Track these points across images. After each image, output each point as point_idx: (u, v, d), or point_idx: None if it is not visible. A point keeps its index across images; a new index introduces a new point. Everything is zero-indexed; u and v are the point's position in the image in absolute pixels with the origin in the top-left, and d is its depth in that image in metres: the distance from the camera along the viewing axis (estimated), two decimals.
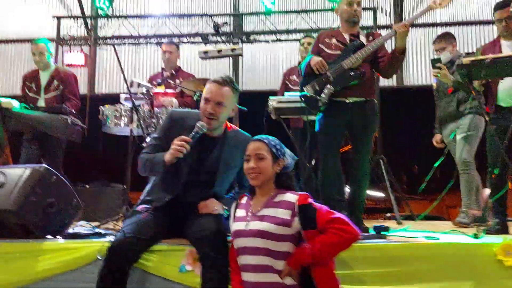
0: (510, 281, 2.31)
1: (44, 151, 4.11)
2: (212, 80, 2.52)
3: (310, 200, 2.09)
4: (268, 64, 7.28)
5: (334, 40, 3.29)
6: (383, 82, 7.14)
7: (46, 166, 2.60)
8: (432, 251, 2.42)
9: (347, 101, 3.20)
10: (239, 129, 2.71)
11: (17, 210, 2.41)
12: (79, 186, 4.55)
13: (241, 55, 4.77)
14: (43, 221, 2.53)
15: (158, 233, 2.44)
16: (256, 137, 2.25)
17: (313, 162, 4.37)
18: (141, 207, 2.55)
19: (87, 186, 4.59)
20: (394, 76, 7.17)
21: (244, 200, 2.27)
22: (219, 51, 4.63)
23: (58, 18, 7.44)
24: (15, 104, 3.75)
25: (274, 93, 4.63)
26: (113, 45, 3.73)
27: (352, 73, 3.18)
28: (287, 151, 2.24)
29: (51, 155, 4.11)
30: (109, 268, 2.21)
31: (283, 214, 2.06)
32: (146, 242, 2.35)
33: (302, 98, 3.34)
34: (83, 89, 6.95)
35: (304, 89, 3.31)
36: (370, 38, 3.29)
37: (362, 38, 3.27)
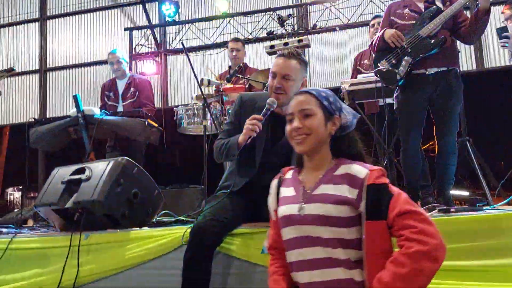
0: None
1: (126, 156, 4.31)
2: (279, 54, 2.47)
3: (386, 179, 1.55)
4: (336, 57, 7.11)
5: (407, 10, 3.13)
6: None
7: (127, 158, 2.68)
8: None
9: (427, 72, 3.01)
10: None
11: (104, 201, 2.50)
12: (161, 187, 4.68)
13: (309, 46, 4.69)
14: (129, 211, 2.61)
15: (237, 216, 2.41)
16: (301, 89, 1.83)
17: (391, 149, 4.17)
18: (219, 193, 2.55)
19: (167, 188, 4.72)
20: (473, 59, 6.69)
21: (289, 174, 1.80)
22: (286, 44, 4.59)
23: (130, 29, 7.86)
24: (97, 111, 3.96)
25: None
26: (183, 46, 3.76)
27: (432, 41, 2.99)
28: (345, 105, 1.74)
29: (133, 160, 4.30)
30: (193, 251, 2.21)
31: (348, 192, 1.55)
32: (225, 224, 2.33)
33: (378, 74, 3.19)
34: (157, 101, 7.21)
35: (379, 65, 3.15)
36: (447, 3, 3.08)
37: (438, 4, 3.07)
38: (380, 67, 3.12)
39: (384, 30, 3.12)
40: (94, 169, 2.64)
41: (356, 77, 4.36)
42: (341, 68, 6.93)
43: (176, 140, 4.44)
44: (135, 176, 2.67)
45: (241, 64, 4.49)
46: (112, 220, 2.59)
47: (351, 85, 3.57)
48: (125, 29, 7.88)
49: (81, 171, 2.68)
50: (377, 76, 3.18)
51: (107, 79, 8.16)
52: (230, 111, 2.65)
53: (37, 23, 8.98)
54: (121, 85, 4.66)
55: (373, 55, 3.28)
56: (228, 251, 2.37)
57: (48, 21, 8.96)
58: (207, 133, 3.86)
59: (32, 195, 13.63)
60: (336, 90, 4.12)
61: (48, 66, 8.87)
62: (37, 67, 8.89)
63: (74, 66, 8.70)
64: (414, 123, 3.07)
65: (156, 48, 7.62)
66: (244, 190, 2.47)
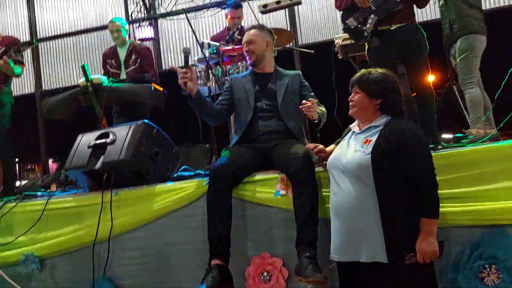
0: None
1: (133, 120, 4.56)
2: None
3: None
4: (325, 13, 7.26)
5: None
6: None
7: (146, 121, 2.95)
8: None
9: (391, 28, 3.25)
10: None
11: (131, 159, 2.79)
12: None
13: (300, 3, 4.86)
14: (152, 167, 2.90)
15: (249, 161, 2.73)
16: None
17: None
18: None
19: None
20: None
21: None
22: (278, 2, 4.76)
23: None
24: (104, 79, 4.17)
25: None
26: (185, 12, 3.97)
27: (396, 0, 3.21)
28: None
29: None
30: (213, 189, 2.54)
31: None
32: (239, 166, 2.66)
33: (347, 31, 3.44)
34: None
35: (347, 22, 3.38)
36: None
37: None
38: (348, 24, 3.35)
39: None
40: (117, 133, 2.90)
41: None
42: (331, 22, 7.11)
43: (171, 102, 4.67)
44: (155, 137, 2.95)
45: (239, 26, 4.66)
46: (138, 176, 2.88)
47: (344, 40, 3.80)
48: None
49: (105, 135, 2.94)
50: (346, 32, 3.42)
51: (101, 46, 8.40)
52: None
53: None
54: (122, 52, 4.78)
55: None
56: (242, 196, 2.68)
57: None
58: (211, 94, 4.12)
59: (29, 166, 13.83)
60: (328, 44, 4.35)
61: (39, 36, 8.91)
62: (28, 39, 8.93)
63: (65, 35, 8.75)
64: None
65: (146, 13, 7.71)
66: (251, 141, 2.81)
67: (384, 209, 2.12)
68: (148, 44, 7.34)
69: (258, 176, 2.71)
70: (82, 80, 4.11)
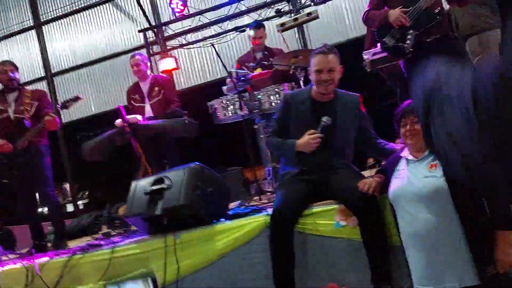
0: None
1: (164, 152, 4.70)
2: (316, 53, 2.85)
3: None
4: (333, 18, 7.31)
5: None
6: None
7: (199, 163, 3.06)
8: None
9: (429, 39, 3.24)
10: (345, 91, 3.00)
11: (190, 204, 2.90)
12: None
13: (317, 17, 4.93)
14: (209, 208, 3.00)
15: (307, 198, 2.81)
16: None
17: None
18: (282, 173, 2.96)
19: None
20: None
21: None
22: (295, 19, 4.84)
23: (144, 31, 7.95)
24: (139, 117, 4.28)
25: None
26: (212, 45, 4.08)
27: (436, 11, 3.23)
28: None
29: (171, 154, 4.72)
30: (276, 233, 2.64)
31: None
32: (298, 205, 2.75)
33: (386, 50, 3.45)
34: None
35: (385, 41, 3.38)
36: None
37: None
38: (387, 43, 3.37)
39: (388, 12, 3.31)
40: (172, 178, 3.01)
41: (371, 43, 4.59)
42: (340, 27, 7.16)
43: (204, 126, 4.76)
44: (207, 177, 3.05)
45: (266, 52, 4.74)
46: (196, 218, 2.98)
47: (373, 54, 3.86)
48: (139, 31, 7.98)
49: (160, 181, 3.05)
50: (385, 51, 3.45)
51: (114, 73, 8.52)
52: (277, 109, 3.09)
53: (33, 30, 9.10)
54: (144, 86, 4.84)
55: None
56: (303, 230, 2.77)
57: (43, 27, 9.06)
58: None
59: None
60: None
61: (53, 71, 9.06)
62: (42, 74, 9.09)
63: (78, 66, 8.89)
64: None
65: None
66: (307, 173, 2.86)
67: (468, 230, 2.17)
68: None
69: (317, 209, 2.80)
70: (118, 121, 4.22)
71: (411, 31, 3.25)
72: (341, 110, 2.88)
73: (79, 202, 9.99)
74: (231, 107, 4.31)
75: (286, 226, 2.65)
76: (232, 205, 4.12)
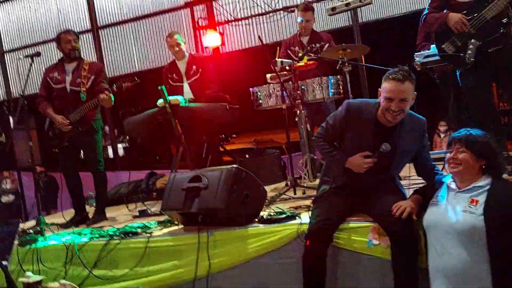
0: None
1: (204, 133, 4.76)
2: (392, 78, 2.58)
3: None
4: None
5: None
6: None
7: (237, 166, 3.07)
8: None
9: (489, 50, 3.07)
10: (412, 112, 2.76)
11: (225, 207, 2.94)
12: (240, 158, 5.12)
13: (371, 3, 4.69)
14: (244, 210, 3.04)
15: (344, 213, 2.79)
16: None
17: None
18: (322, 189, 2.92)
19: (247, 156, 5.14)
20: None
21: None
22: (347, 4, 4.61)
23: (190, 4, 7.81)
24: (181, 99, 4.29)
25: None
26: (259, 37, 3.96)
27: (503, 21, 3.03)
28: None
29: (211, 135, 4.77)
30: (310, 252, 2.64)
31: None
32: (335, 223, 2.73)
33: (444, 58, 3.27)
34: None
35: (443, 47, 3.20)
36: None
37: None
38: (446, 51, 3.18)
39: (448, 14, 3.11)
40: (209, 178, 3.04)
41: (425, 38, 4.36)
42: None
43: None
44: (244, 180, 3.06)
45: (313, 45, 4.59)
46: (230, 219, 3.03)
47: (426, 57, 3.69)
48: (186, 4, 7.84)
49: (197, 179, 3.09)
50: (443, 59, 3.26)
51: (160, 32, 8.48)
52: (334, 114, 2.89)
53: None
54: (181, 65, 4.81)
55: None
56: (337, 243, 2.77)
57: None
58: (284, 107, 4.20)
59: None
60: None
61: (99, 24, 9.09)
62: (88, 27, 9.14)
63: (124, 21, 8.88)
64: (483, 101, 3.21)
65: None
66: (347, 187, 2.82)
67: (497, 272, 2.17)
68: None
69: (352, 224, 2.78)
70: (160, 101, 4.25)
71: (473, 41, 3.07)
72: (404, 137, 2.70)
73: (119, 146, 10.11)
74: (274, 95, 4.27)
75: (321, 248, 2.65)
76: (272, 188, 4.19)
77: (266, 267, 2.95)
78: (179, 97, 4.28)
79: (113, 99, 4.00)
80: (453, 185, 2.41)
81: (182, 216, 3.23)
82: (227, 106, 4.26)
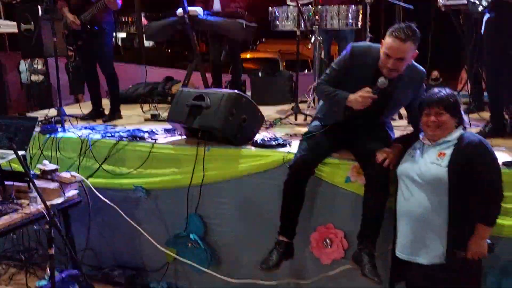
0: None
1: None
2: (395, 36, 2.57)
3: None
4: None
5: None
6: None
7: (237, 91, 3.26)
8: None
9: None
10: (414, 63, 2.79)
11: (221, 128, 3.19)
12: (252, 75, 5.25)
13: None
14: (239, 133, 3.28)
15: (329, 149, 3.01)
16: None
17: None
18: (313, 125, 3.10)
19: (259, 75, 5.26)
20: None
21: None
22: None
23: None
24: (200, 11, 4.35)
25: None
26: None
27: None
28: None
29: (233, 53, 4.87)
30: (291, 181, 2.90)
31: None
32: (318, 158, 2.96)
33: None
34: None
35: None
36: None
37: None
38: None
39: None
40: (212, 99, 3.25)
41: None
42: None
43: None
44: (244, 105, 3.26)
45: None
46: (227, 139, 3.29)
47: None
48: None
49: (201, 98, 3.30)
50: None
51: None
52: (339, 59, 2.91)
53: None
54: None
55: None
56: (319, 176, 3.03)
57: None
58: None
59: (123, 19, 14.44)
60: None
61: None
62: None
63: None
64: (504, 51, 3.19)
65: None
66: (337, 126, 2.95)
67: (453, 218, 2.40)
68: None
69: (335, 160, 3.01)
70: (180, 10, 4.33)
71: None
72: (402, 87, 2.77)
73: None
74: (291, 18, 4.28)
75: (301, 178, 2.90)
76: (278, 109, 4.35)
77: (253, 185, 3.26)
78: (198, 9, 4.33)
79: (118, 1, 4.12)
80: (426, 141, 2.55)
81: (185, 129, 3.51)
82: (244, 25, 4.30)
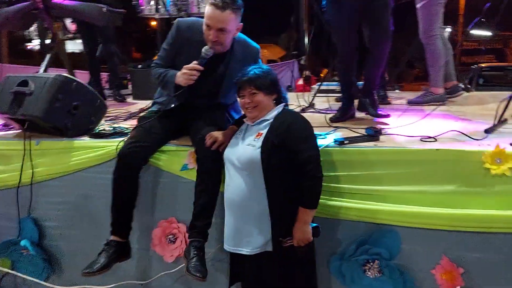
0: (495, 188, 2.28)
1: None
2: (211, 3, 2.42)
3: None
4: None
5: None
6: None
7: (65, 74, 2.88)
8: (423, 156, 2.41)
9: None
10: (247, 39, 2.67)
11: (43, 116, 2.78)
12: (131, 66, 4.90)
13: None
14: (72, 122, 2.90)
15: (165, 137, 2.72)
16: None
17: None
18: (150, 110, 2.80)
19: (139, 66, 4.91)
20: None
21: None
22: None
23: None
24: None
25: None
26: None
27: None
28: None
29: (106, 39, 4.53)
30: (119, 173, 2.58)
31: None
32: (152, 147, 2.66)
33: None
34: None
35: None
36: None
37: None
38: None
39: None
40: (36, 83, 2.85)
41: None
42: None
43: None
44: (75, 90, 2.89)
45: None
46: (57, 130, 2.90)
47: None
48: None
49: (25, 83, 2.89)
50: None
51: None
52: (167, 37, 2.71)
53: None
54: None
55: None
56: (157, 165, 2.74)
57: None
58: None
59: None
60: None
61: None
62: None
63: None
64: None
65: None
66: (175, 110, 2.71)
67: (272, 201, 2.20)
68: None
69: (172, 147, 2.74)
70: None
71: None
72: (234, 64, 2.60)
73: None
74: (154, 1, 3.98)
75: (131, 167, 2.58)
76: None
77: (89, 180, 2.89)
78: None
79: None
80: (248, 121, 2.39)
81: (14, 121, 3.08)
82: (104, 9, 3.94)
